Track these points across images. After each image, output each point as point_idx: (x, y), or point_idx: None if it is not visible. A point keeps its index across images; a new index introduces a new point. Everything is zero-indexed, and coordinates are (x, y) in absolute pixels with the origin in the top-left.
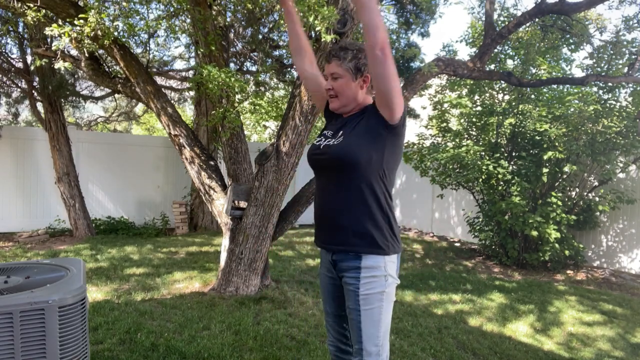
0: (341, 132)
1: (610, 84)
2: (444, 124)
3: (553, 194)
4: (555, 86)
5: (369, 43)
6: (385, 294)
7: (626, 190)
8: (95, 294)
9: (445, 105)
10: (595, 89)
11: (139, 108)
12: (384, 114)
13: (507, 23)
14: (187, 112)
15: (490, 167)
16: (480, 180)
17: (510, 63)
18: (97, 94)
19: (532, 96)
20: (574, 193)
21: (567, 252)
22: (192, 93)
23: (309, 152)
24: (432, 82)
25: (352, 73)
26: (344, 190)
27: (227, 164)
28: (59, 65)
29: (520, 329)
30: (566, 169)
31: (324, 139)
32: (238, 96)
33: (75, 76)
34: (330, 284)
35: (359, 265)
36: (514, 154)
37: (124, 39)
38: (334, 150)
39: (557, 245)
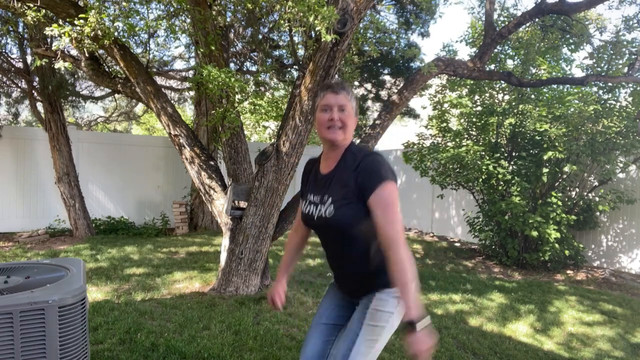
0: (327, 196)
1: (610, 84)
2: (444, 124)
3: (553, 194)
4: (555, 86)
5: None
6: (393, 317)
7: (626, 190)
8: (95, 294)
9: (446, 105)
10: (595, 89)
11: (139, 108)
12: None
13: (507, 23)
14: (187, 112)
15: (490, 167)
16: (480, 180)
17: (510, 63)
18: (97, 94)
19: (532, 96)
20: (574, 193)
21: (567, 252)
22: (192, 93)
23: (304, 219)
24: (432, 82)
25: (353, 110)
26: (351, 252)
27: (227, 164)
28: (59, 65)
29: (520, 329)
30: (566, 169)
31: (313, 207)
32: (238, 96)
33: (75, 76)
34: (340, 298)
35: (376, 291)
36: (514, 154)
37: (124, 39)
38: (329, 222)
39: (557, 245)
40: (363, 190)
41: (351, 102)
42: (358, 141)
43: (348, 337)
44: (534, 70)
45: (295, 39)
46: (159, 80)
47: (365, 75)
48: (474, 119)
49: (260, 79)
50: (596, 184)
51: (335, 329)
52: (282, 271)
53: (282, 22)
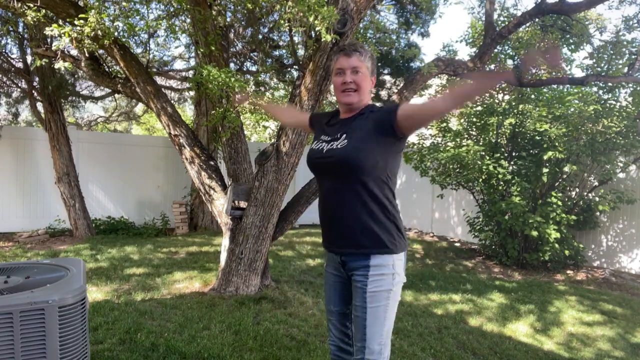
0: (343, 134)
1: (610, 84)
2: (444, 124)
3: (553, 194)
4: (555, 86)
5: (450, 108)
6: (392, 293)
7: (626, 190)
8: (95, 294)
9: None
10: (595, 89)
11: (139, 108)
12: (405, 131)
13: (507, 23)
14: (187, 112)
15: (491, 167)
16: (480, 180)
17: (510, 63)
18: (97, 94)
19: (532, 96)
20: (574, 193)
21: (567, 252)
22: (192, 93)
23: (310, 156)
24: (432, 82)
25: (369, 70)
26: (348, 194)
27: (227, 164)
28: (59, 65)
29: (520, 329)
30: (566, 169)
31: (324, 144)
32: (238, 96)
33: (75, 76)
34: (338, 282)
35: (368, 264)
36: (514, 154)
37: (124, 39)
38: (339, 153)
39: (557, 245)
40: (384, 121)
41: (365, 63)
42: None
43: (358, 326)
44: (534, 70)
45: (295, 39)
46: (159, 80)
47: None
48: (474, 119)
49: (260, 79)
50: (596, 184)
51: (346, 314)
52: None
53: (282, 22)
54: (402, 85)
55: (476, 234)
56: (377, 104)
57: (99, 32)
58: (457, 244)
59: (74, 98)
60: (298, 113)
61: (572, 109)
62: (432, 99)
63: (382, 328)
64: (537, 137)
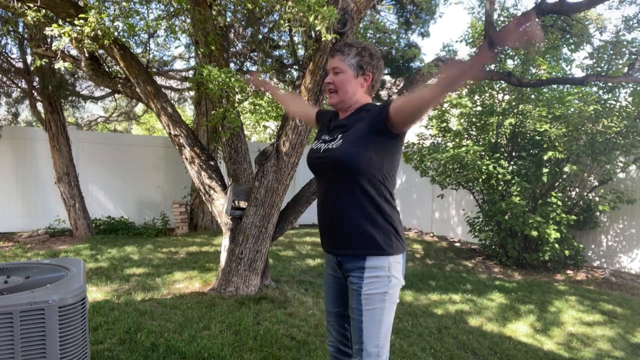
0: (340, 134)
1: (610, 84)
2: (444, 124)
3: (553, 194)
4: (555, 86)
5: (438, 98)
6: (388, 295)
7: (626, 190)
8: (95, 294)
9: (445, 105)
10: (595, 89)
11: (139, 108)
12: (398, 126)
13: (507, 23)
14: (187, 112)
15: (490, 167)
16: (480, 180)
17: (510, 63)
18: (97, 94)
19: (532, 96)
20: (574, 193)
21: (567, 252)
22: (192, 93)
23: (309, 155)
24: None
25: (354, 69)
26: (344, 195)
27: (227, 164)
28: (59, 65)
29: (520, 329)
30: (566, 169)
31: (322, 143)
32: (238, 96)
33: (75, 76)
34: (335, 283)
35: (363, 265)
36: (514, 154)
37: (124, 39)
38: (334, 153)
39: (557, 245)
40: (377, 118)
41: (346, 62)
42: None
43: (355, 329)
44: (534, 70)
45: (295, 39)
46: (159, 80)
47: None
48: (474, 119)
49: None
50: (596, 184)
51: (345, 315)
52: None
53: (282, 22)
54: (402, 85)
55: (476, 234)
56: (377, 103)
57: (99, 32)
58: (457, 244)
59: (74, 98)
60: (305, 105)
61: (572, 109)
62: (420, 89)
63: (379, 331)
64: (537, 137)
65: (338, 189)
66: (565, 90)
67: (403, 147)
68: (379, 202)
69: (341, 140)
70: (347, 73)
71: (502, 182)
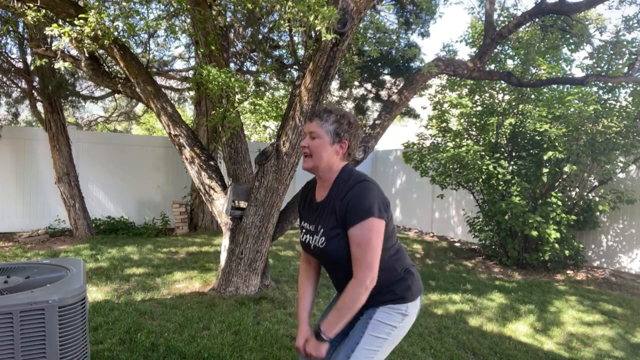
0: (320, 227)
1: (610, 84)
2: (444, 124)
3: (553, 194)
4: (555, 86)
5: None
6: (395, 331)
7: (626, 190)
8: (95, 294)
9: (445, 105)
10: (595, 89)
11: (139, 108)
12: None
13: (507, 23)
14: (187, 112)
15: (490, 167)
16: (480, 180)
17: (510, 63)
18: (97, 94)
19: (532, 96)
20: (574, 193)
21: (567, 252)
22: (192, 93)
23: (302, 245)
24: (432, 82)
25: (330, 136)
26: (348, 274)
27: (227, 164)
28: (59, 65)
29: (520, 329)
30: (566, 169)
31: (309, 236)
32: (238, 96)
33: (75, 76)
34: None
35: (384, 301)
36: (514, 154)
37: (124, 39)
38: (323, 252)
39: (557, 245)
40: (346, 221)
41: (323, 128)
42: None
43: (348, 346)
44: (534, 70)
45: (295, 39)
46: (159, 80)
47: (365, 75)
48: (474, 119)
49: (260, 79)
50: (596, 184)
51: (333, 345)
52: (303, 313)
53: (282, 22)
54: (402, 85)
55: (476, 234)
56: (349, 170)
57: (99, 32)
58: (457, 244)
59: (74, 98)
60: (308, 264)
61: (572, 109)
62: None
63: (369, 359)
64: (537, 137)
65: (340, 271)
66: (565, 90)
67: (403, 148)
68: (387, 268)
69: (323, 238)
70: (323, 139)
71: (502, 182)
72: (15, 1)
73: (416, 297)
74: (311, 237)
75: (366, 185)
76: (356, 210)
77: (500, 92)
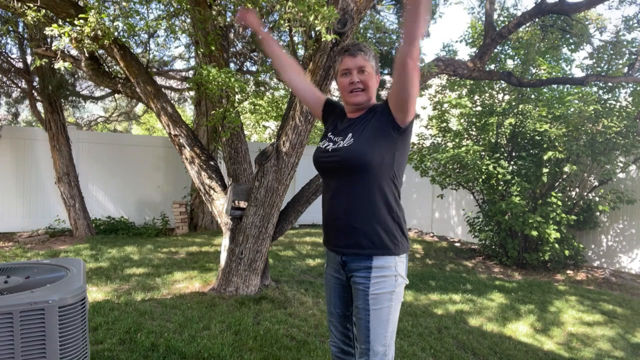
0: (350, 133)
1: (610, 84)
2: (444, 124)
3: (553, 194)
4: (555, 86)
5: (405, 51)
6: (395, 294)
7: (626, 190)
8: (95, 294)
9: (445, 105)
10: (595, 89)
11: (139, 108)
12: (397, 117)
13: (507, 23)
14: (187, 112)
15: (490, 167)
16: (480, 180)
17: (510, 63)
18: (97, 94)
19: (532, 96)
20: (574, 193)
21: (567, 252)
22: (192, 93)
23: (316, 155)
24: (432, 82)
25: (374, 70)
26: (354, 193)
27: (227, 164)
28: (59, 65)
29: (520, 329)
30: (566, 169)
31: (330, 143)
32: (238, 96)
33: (75, 76)
34: (338, 284)
35: (370, 265)
36: (514, 154)
37: (124, 39)
38: (346, 152)
39: (557, 245)
40: (384, 112)
41: (370, 62)
42: None
43: (362, 328)
44: (534, 70)
45: (295, 39)
46: (159, 80)
47: None
48: (474, 119)
49: (260, 79)
50: (596, 184)
51: (347, 315)
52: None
53: (282, 22)
54: None
55: (476, 234)
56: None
57: (99, 32)
58: (457, 244)
59: (74, 98)
60: (310, 84)
61: (572, 109)
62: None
63: (386, 330)
64: (537, 137)
65: (348, 187)
66: (565, 90)
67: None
68: (389, 200)
69: (352, 139)
70: (371, 72)
71: (502, 182)
72: (15, 1)
73: (401, 254)
74: (333, 143)
75: None
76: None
77: (500, 92)
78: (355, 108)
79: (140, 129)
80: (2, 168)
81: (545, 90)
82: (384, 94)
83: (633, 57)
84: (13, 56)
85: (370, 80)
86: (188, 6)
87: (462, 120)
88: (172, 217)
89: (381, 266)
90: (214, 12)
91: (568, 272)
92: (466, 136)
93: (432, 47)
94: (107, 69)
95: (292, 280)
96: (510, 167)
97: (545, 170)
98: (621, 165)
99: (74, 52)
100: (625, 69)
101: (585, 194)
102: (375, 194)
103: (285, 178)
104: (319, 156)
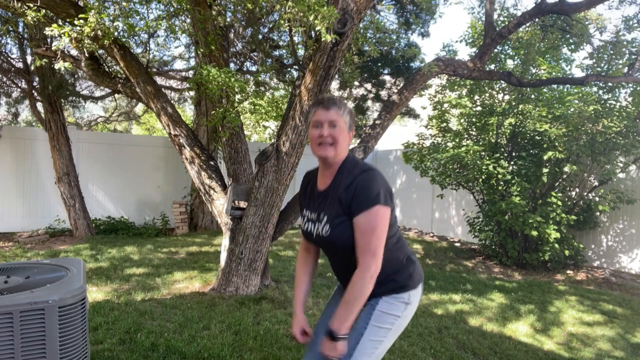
0: (324, 215)
1: (610, 84)
2: (444, 124)
3: (553, 194)
4: (555, 86)
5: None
6: (399, 320)
7: (626, 190)
8: (95, 294)
9: (445, 105)
10: (595, 89)
11: (139, 108)
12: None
13: (507, 23)
14: (187, 112)
15: (490, 167)
16: (480, 180)
17: (510, 63)
18: (97, 94)
19: (532, 96)
20: (574, 193)
21: (567, 252)
22: (192, 93)
23: (304, 234)
24: (432, 82)
25: (347, 125)
26: (352, 260)
27: (227, 164)
28: (59, 65)
29: (521, 329)
30: (566, 169)
31: (311, 224)
32: (238, 96)
33: (75, 76)
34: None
35: (385, 292)
36: (514, 154)
37: (124, 39)
38: (327, 240)
39: (557, 245)
40: (352, 209)
41: (343, 117)
42: (358, 141)
43: (352, 337)
44: (534, 70)
45: (295, 39)
46: (159, 80)
47: (365, 75)
48: (474, 119)
49: (260, 79)
50: (596, 184)
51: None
52: (298, 303)
53: (282, 22)
54: (402, 85)
55: (476, 234)
56: (353, 159)
57: (99, 32)
58: (457, 244)
59: (74, 98)
60: (306, 253)
61: (572, 109)
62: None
63: (374, 350)
64: (537, 137)
65: (344, 259)
66: (565, 90)
67: (403, 148)
68: (390, 251)
69: (327, 225)
70: (343, 128)
71: (502, 182)
72: (15, 1)
73: (417, 285)
74: (314, 226)
75: (372, 174)
76: (363, 198)
77: (500, 92)
78: (323, 163)
79: (140, 129)
80: (2, 168)
81: (545, 90)
82: (384, 93)
83: (633, 57)
84: (13, 56)
85: (341, 135)
86: (188, 6)
87: (462, 120)
88: (172, 217)
89: (394, 296)
90: (214, 12)
91: (568, 272)
92: (466, 136)
93: (432, 47)
94: (107, 69)
95: (292, 280)
96: (510, 167)
97: (545, 170)
98: (621, 165)
99: (74, 52)
100: (625, 69)
101: (585, 194)
102: None
103: (285, 178)
104: (307, 237)
